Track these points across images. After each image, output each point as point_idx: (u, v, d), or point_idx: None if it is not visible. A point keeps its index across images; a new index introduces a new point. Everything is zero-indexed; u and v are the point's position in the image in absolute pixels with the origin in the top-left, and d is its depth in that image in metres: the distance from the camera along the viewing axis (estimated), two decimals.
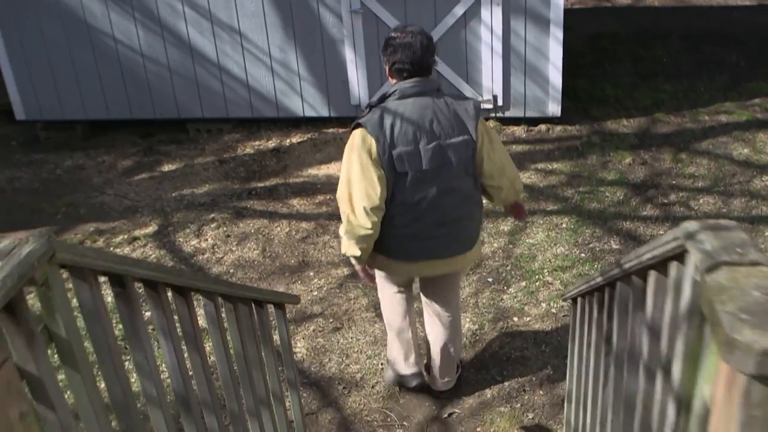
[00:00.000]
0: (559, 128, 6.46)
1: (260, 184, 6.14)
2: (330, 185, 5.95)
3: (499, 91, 6.34)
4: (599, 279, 2.11)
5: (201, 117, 7.01)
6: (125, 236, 5.65)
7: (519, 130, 6.48)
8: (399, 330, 3.74)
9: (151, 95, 6.97)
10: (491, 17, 6.08)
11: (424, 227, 3.22)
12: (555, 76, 6.22)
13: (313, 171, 6.27)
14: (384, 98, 3.16)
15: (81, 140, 7.43)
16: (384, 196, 3.10)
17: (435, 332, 3.74)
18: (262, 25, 6.48)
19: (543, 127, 6.48)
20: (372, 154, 3.05)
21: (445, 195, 3.18)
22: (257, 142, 6.83)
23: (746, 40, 8.10)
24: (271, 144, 6.77)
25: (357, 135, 3.10)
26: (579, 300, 2.65)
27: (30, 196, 6.51)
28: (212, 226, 5.63)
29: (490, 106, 6.40)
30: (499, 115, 6.48)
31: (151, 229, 5.71)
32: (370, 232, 3.12)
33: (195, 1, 6.50)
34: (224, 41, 6.61)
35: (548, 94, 6.31)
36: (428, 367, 3.94)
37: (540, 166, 5.96)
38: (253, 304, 2.63)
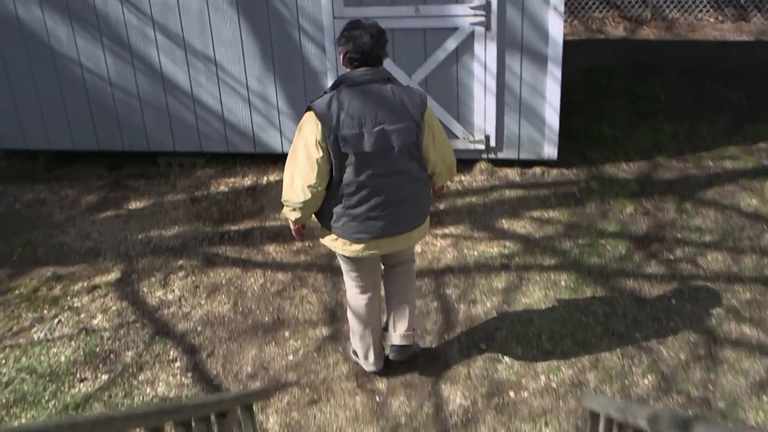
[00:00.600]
0: (555, 172, 6.07)
1: (234, 227, 5.69)
2: (309, 231, 5.52)
3: (491, 131, 5.94)
4: (642, 422, 1.69)
5: (173, 150, 6.56)
6: (85, 284, 5.18)
7: (512, 173, 6.08)
8: (360, 332, 3.99)
9: (119, 126, 6.51)
10: (485, 52, 5.69)
11: (371, 207, 3.48)
12: (552, 116, 5.83)
13: None
14: (336, 85, 3.43)
15: (44, 171, 6.96)
16: (322, 176, 3.41)
17: (390, 286, 4.02)
18: (240, 55, 6.05)
19: (538, 170, 6.08)
20: (317, 136, 3.35)
21: (390, 177, 3.46)
22: (232, 179, 6.39)
23: (746, 76, 7.77)
24: (247, 182, 6.33)
25: (306, 117, 3.42)
26: (603, 420, 2.22)
27: None
28: (180, 274, 5.16)
29: (482, 146, 6.00)
30: (491, 156, 6.07)
31: (114, 275, 5.24)
32: (301, 205, 3.47)
33: (167, 27, 6.06)
34: (198, 71, 6.17)
35: (544, 135, 5.91)
36: (386, 326, 4.09)
37: (535, 214, 5.56)
38: (212, 418, 2.18)
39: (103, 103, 6.43)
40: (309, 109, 3.39)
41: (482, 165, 6.09)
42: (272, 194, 6.09)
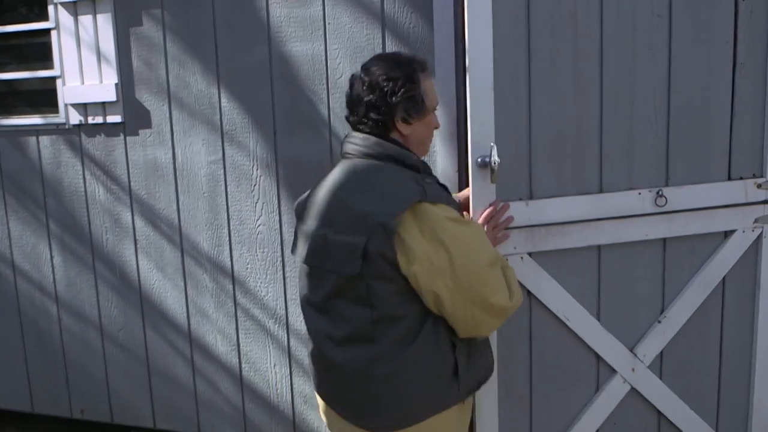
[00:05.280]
0: None
1: None
2: None
3: None
4: None
5: (152, 427, 3.62)
6: None
7: None
8: None
9: (67, 375, 3.69)
10: None
11: (311, 351, 2.07)
12: None
13: None
14: None
15: None
16: (301, 284, 2.10)
17: None
18: (279, 265, 3.22)
19: None
20: None
21: (324, 316, 1.96)
22: None
23: None
24: None
25: None
26: None
27: None
28: None
29: None
30: None
31: None
32: None
33: (154, 208, 3.35)
34: (203, 289, 3.34)
35: None
36: None
37: None
38: None
39: (43, 333, 3.67)
40: None
41: None
42: None
